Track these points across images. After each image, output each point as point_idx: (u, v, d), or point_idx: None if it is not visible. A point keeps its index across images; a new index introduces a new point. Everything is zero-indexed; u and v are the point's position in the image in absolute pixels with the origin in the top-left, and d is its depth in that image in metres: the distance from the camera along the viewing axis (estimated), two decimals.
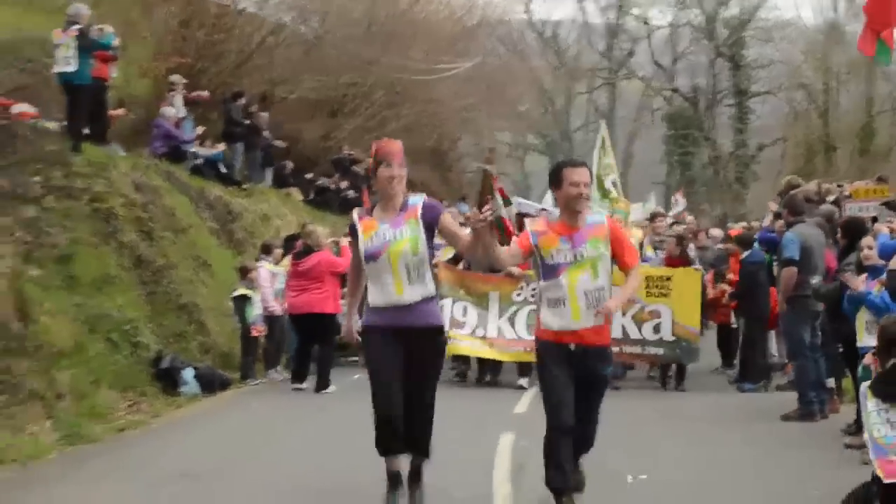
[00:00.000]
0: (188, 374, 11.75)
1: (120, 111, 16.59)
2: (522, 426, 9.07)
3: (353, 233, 6.34)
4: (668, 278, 12.52)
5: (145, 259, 13.18)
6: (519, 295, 12.81)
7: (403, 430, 6.13)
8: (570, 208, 6.20)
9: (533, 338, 11.36)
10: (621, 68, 56.20)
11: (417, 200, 6.28)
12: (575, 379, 6.19)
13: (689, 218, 19.22)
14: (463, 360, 13.33)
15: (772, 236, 12.66)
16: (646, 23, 54.61)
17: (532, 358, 11.75)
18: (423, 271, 6.15)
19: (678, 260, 13.03)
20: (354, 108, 27.42)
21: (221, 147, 18.91)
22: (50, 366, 9.88)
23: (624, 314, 12.13)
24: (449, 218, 6.39)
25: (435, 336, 6.30)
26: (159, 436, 9.49)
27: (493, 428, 9.25)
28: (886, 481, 5.67)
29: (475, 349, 12.97)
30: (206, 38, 20.79)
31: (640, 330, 12.50)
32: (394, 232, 6.13)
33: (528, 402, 11.03)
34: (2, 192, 11.97)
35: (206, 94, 19.24)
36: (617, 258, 6.25)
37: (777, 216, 13.06)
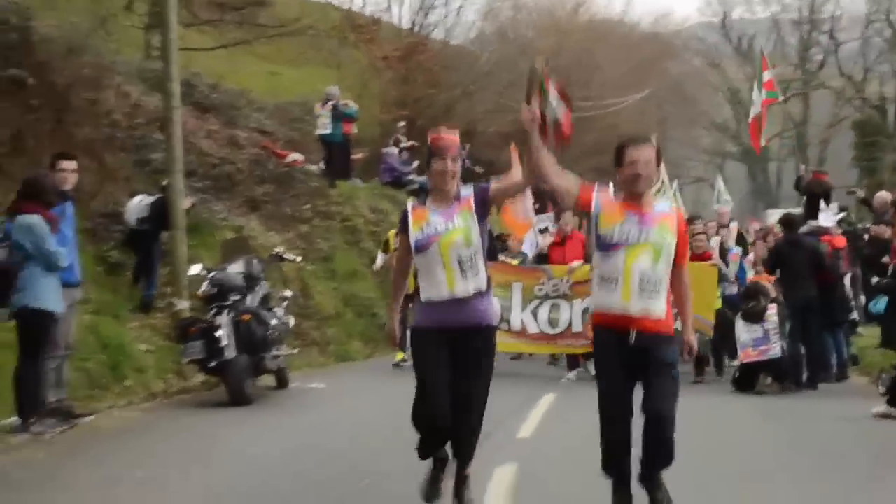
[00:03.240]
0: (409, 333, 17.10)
1: (359, 156, 21.58)
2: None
3: (403, 223, 5.91)
4: None
5: None
6: (541, 290, 12.76)
7: (449, 437, 5.81)
8: (628, 190, 5.57)
9: (555, 332, 13.06)
10: (814, 79, 58.90)
11: (469, 190, 5.86)
12: (636, 370, 5.50)
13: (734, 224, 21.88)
14: None
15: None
16: (832, 37, 57.25)
17: (558, 349, 13.31)
18: (476, 264, 5.74)
19: (703, 256, 12.72)
20: None
21: None
22: (322, 325, 15.38)
23: None
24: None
25: (487, 335, 5.87)
26: (391, 358, 14.57)
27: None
28: (744, 361, 11.19)
29: (503, 343, 11.75)
30: (421, 92, 26.03)
31: None
32: (445, 223, 5.73)
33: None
34: (287, 216, 17.24)
35: (412, 143, 22.94)
36: (676, 253, 5.55)
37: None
